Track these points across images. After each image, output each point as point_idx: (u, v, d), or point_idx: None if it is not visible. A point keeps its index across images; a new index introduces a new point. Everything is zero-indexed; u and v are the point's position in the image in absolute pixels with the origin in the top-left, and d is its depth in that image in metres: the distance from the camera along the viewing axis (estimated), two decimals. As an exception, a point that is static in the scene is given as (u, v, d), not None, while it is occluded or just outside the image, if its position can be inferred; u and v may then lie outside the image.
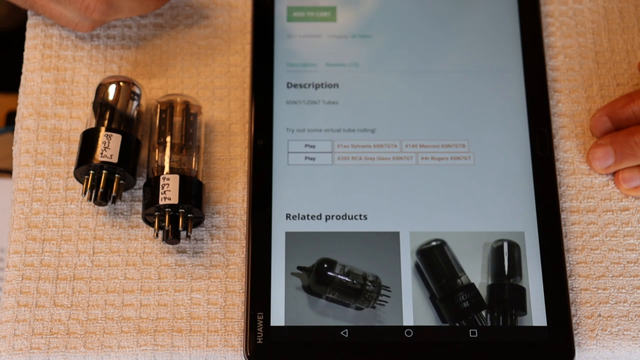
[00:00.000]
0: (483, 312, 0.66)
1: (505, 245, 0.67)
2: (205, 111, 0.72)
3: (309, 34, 0.74)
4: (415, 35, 0.74)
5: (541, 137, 0.70)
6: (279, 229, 0.67)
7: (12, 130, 0.99)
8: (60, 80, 0.73)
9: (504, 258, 0.67)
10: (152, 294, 0.67)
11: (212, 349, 0.65)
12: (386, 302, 0.66)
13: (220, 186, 0.70)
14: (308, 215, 0.68)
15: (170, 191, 0.66)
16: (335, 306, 0.66)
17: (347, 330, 0.65)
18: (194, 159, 0.69)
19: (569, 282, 0.67)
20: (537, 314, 0.65)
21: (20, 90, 0.73)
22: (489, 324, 0.65)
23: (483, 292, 0.66)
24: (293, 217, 0.68)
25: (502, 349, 0.65)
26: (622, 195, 0.70)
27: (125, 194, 0.69)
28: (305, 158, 0.70)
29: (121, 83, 0.70)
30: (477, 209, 0.68)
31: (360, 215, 0.68)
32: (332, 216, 0.68)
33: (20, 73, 0.73)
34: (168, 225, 0.66)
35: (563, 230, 0.68)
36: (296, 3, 0.74)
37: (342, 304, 0.66)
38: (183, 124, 0.70)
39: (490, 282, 0.66)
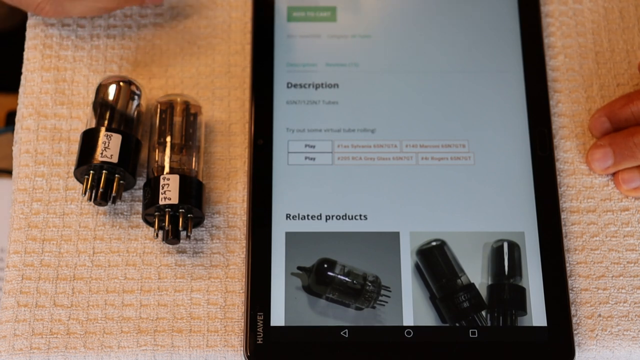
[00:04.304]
0: (483, 312, 0.66)
1: (505, 245, 0.67)
2: (205, 111, 0.72)
3: (309, 34, 0.74)
4: (416, 35, 0.74)
5: (541, 137, 0.70)
6: (279, 229, 0.67)
7: (12, 130, 0.99)
8: (60, 80, 0.73)
9: (504, 258, 0.67)
10: (152, 294, 0.67)
11: (212, 349, 0.65)
12: (386, 302, 0.66)
13: (220, 186, 0.70)
14: (308, 215, 0.68)
15: (170, 191, 0.66)
16: (335, 306, 0.66)
17: (347, 330, 0.65)
18: (194, 159, 0.69)
19: (569, 282, 0.67)
20: (537, 314, 0.65)
21: (20, 90, 0.73)
22: (489, 324, 0.65)
23: (483, 292, 0.66)
24: (293, 217, 0.68)
25: (502, 349, 0.65)
26: (622, 195, 0.70)
27: (125, 194, 0.69)
28: (305, 158, 0.70)
29: (121, 83, 0.70)
30: (477, 209, 0.68)
31: (360, 215, 0.68)
32: (332, 216, 0.68)
33: (20, 73, 0.73)
34: (168, 225, 0.66)
35: (563, 230, 0.68)
36: (296, 3, 0.74)
37: (342, 304, 0.66)
38: (183, 124, 0.70)
39: (490, 282, 0.66)
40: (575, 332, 0.66)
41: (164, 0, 0.74)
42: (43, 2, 0.71)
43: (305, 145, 0.70)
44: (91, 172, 0.67)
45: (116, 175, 0.67)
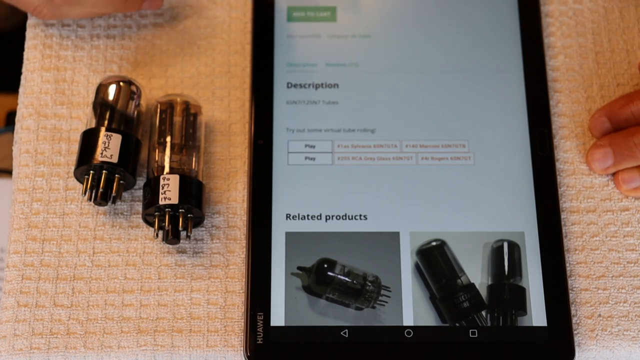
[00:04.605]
0: (483, 312, 0.66)
1: (505, 245, 0.67)
2: (205, 111, 0.72)
3: (309, 34, 0.74)
4: (416, 35, 0.74)
5: (541, 137, 0.70)
6: (279, 229, 0.67)
7: (12, 130, 0.99)
8: (60, 80, 0.73)
9: (504, 258, 0.67)
10: (152, 294, 0.67)
11: (212, 349, 0.65)
12: (386, 302, 0.66)
13: (220, 186, 0.70)
14: (308, 215, 0.68)
15: (170, 191, 0.66)
16: (335, 306, 0.66)
17: (347, 330, 0.65)
18: (194, 159, 0.69)
19: (569, 282, 0.67)
20: (537, 314, 0.65)
21: (20, 90, 0.73)
22: (489, 324, 0.65)
23: (483, 292, 0.66)
24: (293, 217, 0.68)
25: (502, 349, 0.65)
26: (622, 195, 0.70)
27: (125, 194, 0.69)
28: (305, 158, 0.70)
29: (121, 83, 0.70)
30: (477, 209, 0.68)
31: (360, 215, 0.68)
32: (332, 216, 0.68)
33: (20, 73, 0.73)
34: (168, 225, 0.66)
35: (563, 230, 0.68)
36: (296, 3, 0.74)
37: (342, 304, 0.66)
38: (183, 124, 0.70)
39: (490, 282, 0.66)
40: (575, 332, 0.66)
41: (162, 3, 0.73)
42: (41, 5, 0.71)
43: (305, 145, 0.70)
44: (91, 172, 0.67)
45: (116, 175, 0.67)
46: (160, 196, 0.66)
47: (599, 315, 0.66)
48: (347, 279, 0.66)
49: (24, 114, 0.72)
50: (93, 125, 0.69)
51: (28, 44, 0.74)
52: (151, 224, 0.68)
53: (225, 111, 0.72)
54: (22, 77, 0.73)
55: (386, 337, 0.65)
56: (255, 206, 0.68)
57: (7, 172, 0.97)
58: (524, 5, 0.74)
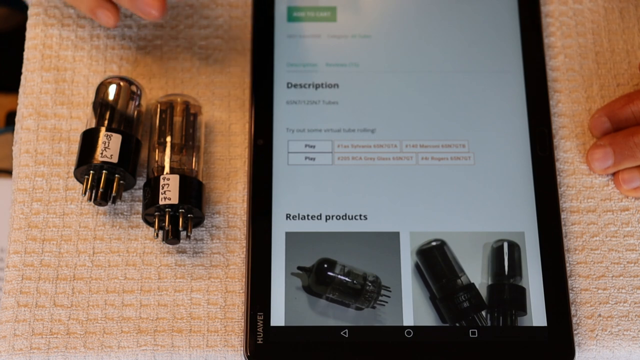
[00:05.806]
0: (483, 312, 0.66)
1: (505, 245, 0.67)
2: (205, 111, 0.72)
3: (309, 34, 0.74)
4: (416, 35, 0.74)
5: (541, 137, 0.70)
6: (279, 229, 0.67)
7: (12, 130, 0.99)
8: (60, 80, 0.73)
9: (504, 258, 0.67)
10: (152, 294, 0.67)
11: (212, 349, 0.65)
12: (386, 302, 0.66)
13: (220, 186, 0.70)
14: (308, 215, 0.68)
15: (170, 191, 0.66)
16: (335, 306, 0.66)
17: (347, 330, 0.65)
18: (194, 159, 0.69)
19: (569, 282, 0.67)
20: (537, 314, 0.65)
21: (20, 90, 0.73)
22: (489, 324, 0.65)
23: (483, 292, 0.66)
24: (293, 217, 0.68)
25: (502, 349, 0.65)
26: (622, 195, 0.70)
27: (125, 194, 0.69)
28: (305, 158, 0.70)
29: (121, 83, 0.70)
30: (477, 209, 0.68)
31: (360, 215, 0.68)
32: (332, 216, 0.68)
33: (20, 73, 0.73)
34: (168, 226, 0.66)
35: (563, 230, 0.68)
36: (296, 3, 0.74)
37: (342, 304, 0.66)
38: (183, 124, 0.70)
39: (490, 282, 0.66)
40: (575, 332, 0.66)
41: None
42: None
43: (305, 145, 0.70)
44: (91, 172, 0.67)
45: (116, 175, 0.67)
46: (160, 196, 0.66)
47: (599, 315, 0.66)
48: (347, 279, 0.66)
49: (24, 114, 0.72)
50: (93, 125, 0.69)
51: (28, 44, 0.74)
52: (151, 224, 0.68)
53: (225, 111, 0.72)
54: (22, 77, 0.73)
55: (386, 337, 0.65)
56: (255, 206, 0.68)
57: (7, 172, 0.97)
58: (524, 5, 0.74)
